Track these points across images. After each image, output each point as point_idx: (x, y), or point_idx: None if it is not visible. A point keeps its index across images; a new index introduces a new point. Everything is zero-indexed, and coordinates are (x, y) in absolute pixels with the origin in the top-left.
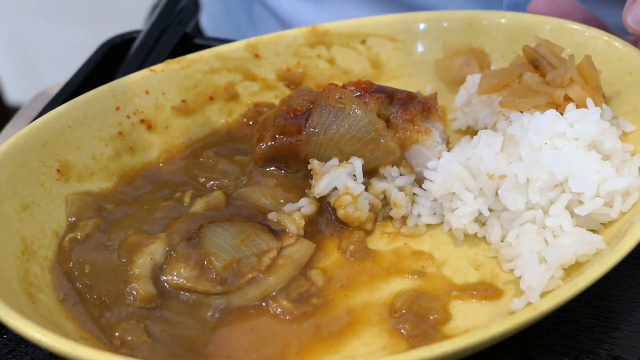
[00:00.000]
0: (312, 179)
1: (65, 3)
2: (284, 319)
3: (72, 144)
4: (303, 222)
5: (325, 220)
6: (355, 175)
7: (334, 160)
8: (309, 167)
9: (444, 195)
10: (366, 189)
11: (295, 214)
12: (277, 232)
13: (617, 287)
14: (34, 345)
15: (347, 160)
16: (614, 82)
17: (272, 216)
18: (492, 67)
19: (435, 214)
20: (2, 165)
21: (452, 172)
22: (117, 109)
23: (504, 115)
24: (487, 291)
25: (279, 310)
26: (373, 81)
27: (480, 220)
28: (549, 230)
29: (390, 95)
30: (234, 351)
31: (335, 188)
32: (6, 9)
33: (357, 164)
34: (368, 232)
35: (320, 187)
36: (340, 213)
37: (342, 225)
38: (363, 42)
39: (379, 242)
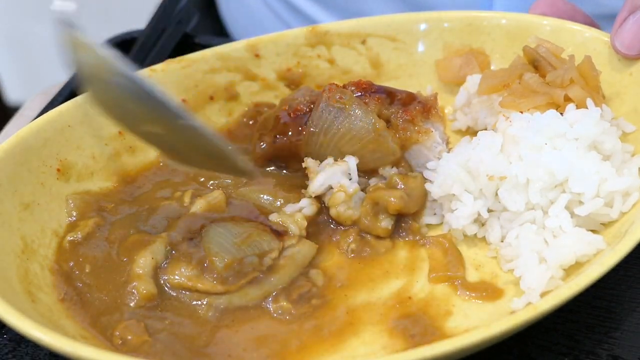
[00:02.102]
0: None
1: None
2: (284, 319)
3: (73, 143)
4: (305, 223)
5: (323, 220)
6: (350, 174)
7: (329, 159)
8: (304, 165)
9: (443, 196)
10: (365, 189)
11: (297, 214)
12: (278, 233)
13: (617, 287)
14: (34, 345)
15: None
16: (614, 83)
17: (273, 217)
18: (492, 68)
19: (435, 214)
20: (2, 164)
21: (452, 174)
22: None
23: (504, 115)
24: (487, 291)
25: (280, 310)
26: (373, 81)
27: (480, 221)
28: (548, 230)
29: (390, 96)
30: (234, 350)
31: (331, 187)
32: (6, 9)
33: (351, 162)
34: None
35: (315, 185)
36: (332, 212)
37: (336, 224)
38: (363, 42)
39: (379, 242)
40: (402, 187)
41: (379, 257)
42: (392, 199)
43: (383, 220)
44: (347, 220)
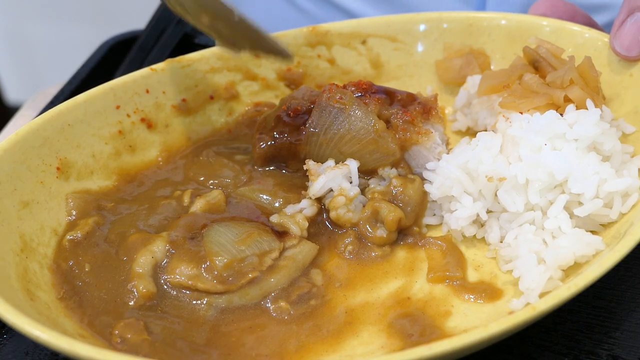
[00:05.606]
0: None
1: (65, 3)
2: (283, 319)
3: (72, 142)
4: (306, 224)
5: (322, 220)
6: (351, 177)
7: (330, 162)
8: (305, 167)
9: (442, 197)
10: (364, 190)
11: (297, 215)
12: (280, 233)
13: (617, 287)
14: (35, 345)
15: (345, 161)
16: (614, 84)
17: (274, 218)
18: (492, 68)
19: (434, 214)
20: (1, 162)
21: (451, 176)
22: (118, 107)
23: (503, 116)
24: (486, 291)
25: (279, 310)
26: (373, 81)
27: (479, 222)
28: (547, 231)
29: (390, 96)
30: (233, 350)
31: (331, 190)
32: (6, 8)
33: (352, 166)
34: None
35: (316, 187)
36: (332, 215)
37: (335, 226)
38: (364, 42)
39: (378, 247)
40: (400, 190)
41: (377, 258)
42: (391, 215)
43: (379, 228)
44: (347, 223)
